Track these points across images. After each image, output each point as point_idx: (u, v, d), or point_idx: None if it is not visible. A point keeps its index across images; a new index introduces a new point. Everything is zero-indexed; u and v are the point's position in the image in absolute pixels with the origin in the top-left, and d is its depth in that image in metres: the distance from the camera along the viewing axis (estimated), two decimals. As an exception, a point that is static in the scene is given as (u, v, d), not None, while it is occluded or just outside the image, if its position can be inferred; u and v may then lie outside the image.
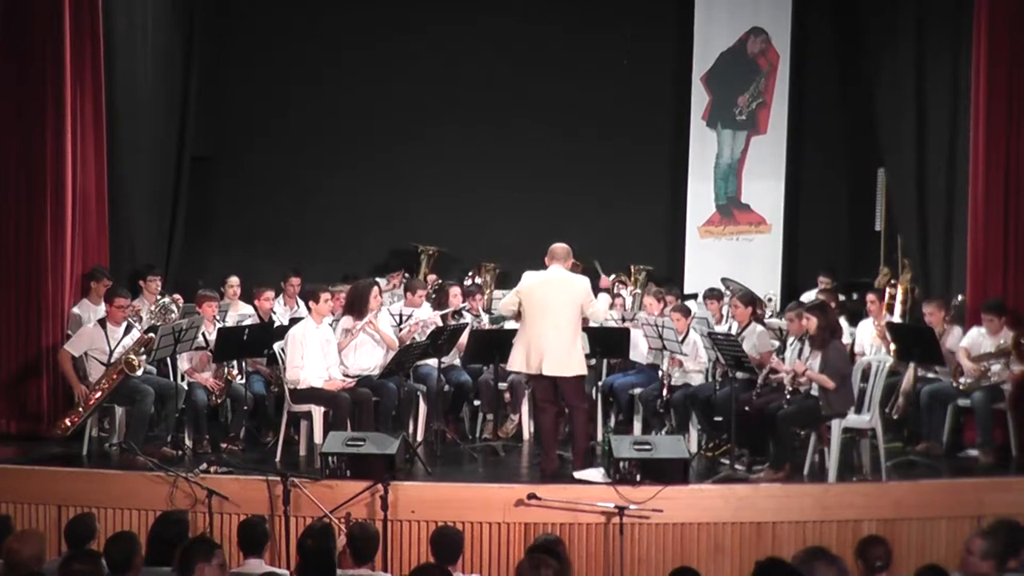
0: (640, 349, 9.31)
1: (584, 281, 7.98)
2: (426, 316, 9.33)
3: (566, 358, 7.74)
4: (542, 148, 12.53)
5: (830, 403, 7.79)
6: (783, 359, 8.44)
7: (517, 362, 7.88)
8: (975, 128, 9.16)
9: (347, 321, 8.85)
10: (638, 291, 10.08)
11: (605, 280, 8.26)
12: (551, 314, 7.74)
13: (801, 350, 8.19)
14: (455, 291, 9.64)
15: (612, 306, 9.07)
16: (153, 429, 8.44)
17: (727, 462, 8.21)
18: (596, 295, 8.29)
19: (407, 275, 11.46)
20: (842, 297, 11.02)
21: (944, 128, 10.10)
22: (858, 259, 12.43)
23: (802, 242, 12.66)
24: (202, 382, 8.70)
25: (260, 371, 9.08)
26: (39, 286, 8.88)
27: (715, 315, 9.82)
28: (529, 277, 8.00)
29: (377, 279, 9.83)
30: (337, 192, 12.50)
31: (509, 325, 9.61)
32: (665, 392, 8.86)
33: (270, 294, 9.67)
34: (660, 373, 8.99)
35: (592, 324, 8.61)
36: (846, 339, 9.05)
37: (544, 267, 7.94)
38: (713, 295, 10.05)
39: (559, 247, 7.98)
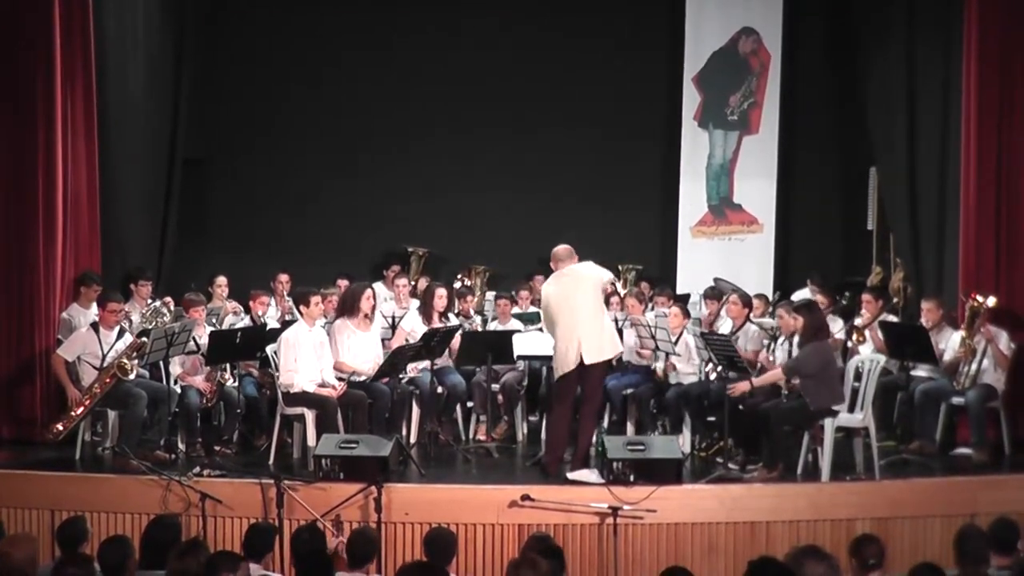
0: (634, 349, 9.30)
1: (588, 265, 8.06)
2: (409, 328, 9.21)
3: (598, 341, 7.87)
4: (535, 149, 12.50)
5: (812, 399, 7.79)
6: (773, 357, 8.46)
7: (560, 364, 7.90)
8: (966, 126, 9.18)
9: (341, 323, 8.83)
10: (626, 290, 10.08)
11: None
12: (576, 310, 7.85)
13: (791, 350, 8.20)
14: (440, 292, 9.48)
15: (608, 304, 9.12)
16: (146, 433, 8.44)
17: (721, 462, 8.23)
18: None
19: (401, 268, 11.46)
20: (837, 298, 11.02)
21: (936, 127, 10.10)
22: (850, 258, 12.46)
23: (794, 242, 12.66)
24: (194, 385, 8.67)
25: (252, 374, 9.06)
26: (31, 290, 8.85)
27: (713, 314, 9.80)
28: (544, 287, 8.21)
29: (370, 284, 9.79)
30: (330, 194, 12.44)
31: (502, 327, 9.65)
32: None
33: (266, 298, 9.63)
34: (653, 370, 9.00)
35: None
36: (840, 337, 9.07)
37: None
38: (713, 294, 10.04)
39: (561, 249, 8.12)
